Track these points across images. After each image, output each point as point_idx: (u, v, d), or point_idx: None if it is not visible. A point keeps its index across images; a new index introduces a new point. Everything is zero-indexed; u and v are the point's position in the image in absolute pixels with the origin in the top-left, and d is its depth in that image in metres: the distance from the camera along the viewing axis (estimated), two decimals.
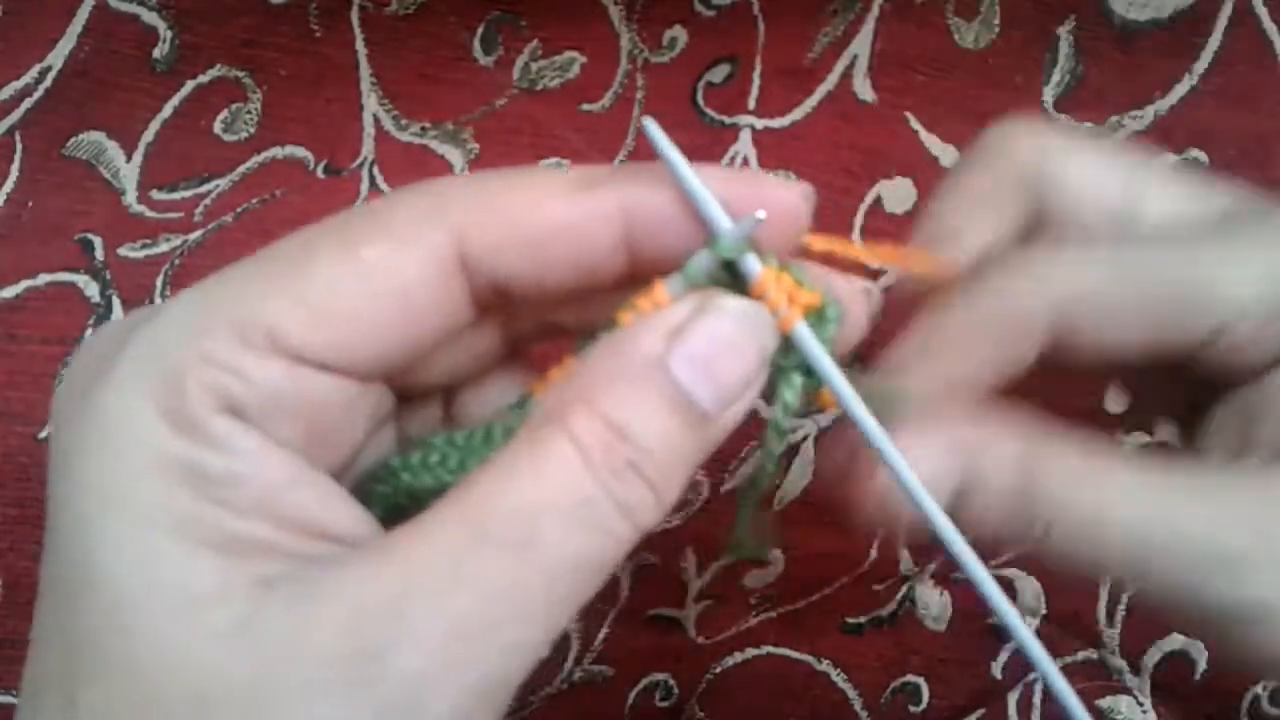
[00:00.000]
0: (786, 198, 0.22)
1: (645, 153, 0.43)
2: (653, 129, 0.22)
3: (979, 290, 0.25)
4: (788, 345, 0.22)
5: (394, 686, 0.18)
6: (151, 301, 0.40)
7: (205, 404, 0.19)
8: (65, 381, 0.21)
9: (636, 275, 0.22)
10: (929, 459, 0.23)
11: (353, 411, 0.22)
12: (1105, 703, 0.45)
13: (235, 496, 0.19)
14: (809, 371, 0.22)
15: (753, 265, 0.22)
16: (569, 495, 0.19)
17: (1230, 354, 0.24)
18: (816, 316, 0.22)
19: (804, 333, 0.22)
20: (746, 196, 0.22)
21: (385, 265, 0.20)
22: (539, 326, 0.25)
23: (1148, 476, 0.23)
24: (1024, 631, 0.23)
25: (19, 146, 0.40)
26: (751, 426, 0.43)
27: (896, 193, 0.43)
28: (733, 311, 0.21)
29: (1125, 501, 0.22)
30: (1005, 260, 0.25)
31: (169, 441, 0.19)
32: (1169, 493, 0.23)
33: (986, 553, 0.23)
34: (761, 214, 0.22)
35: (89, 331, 0.40)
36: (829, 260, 0.24)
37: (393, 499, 0.23)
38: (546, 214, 0.21)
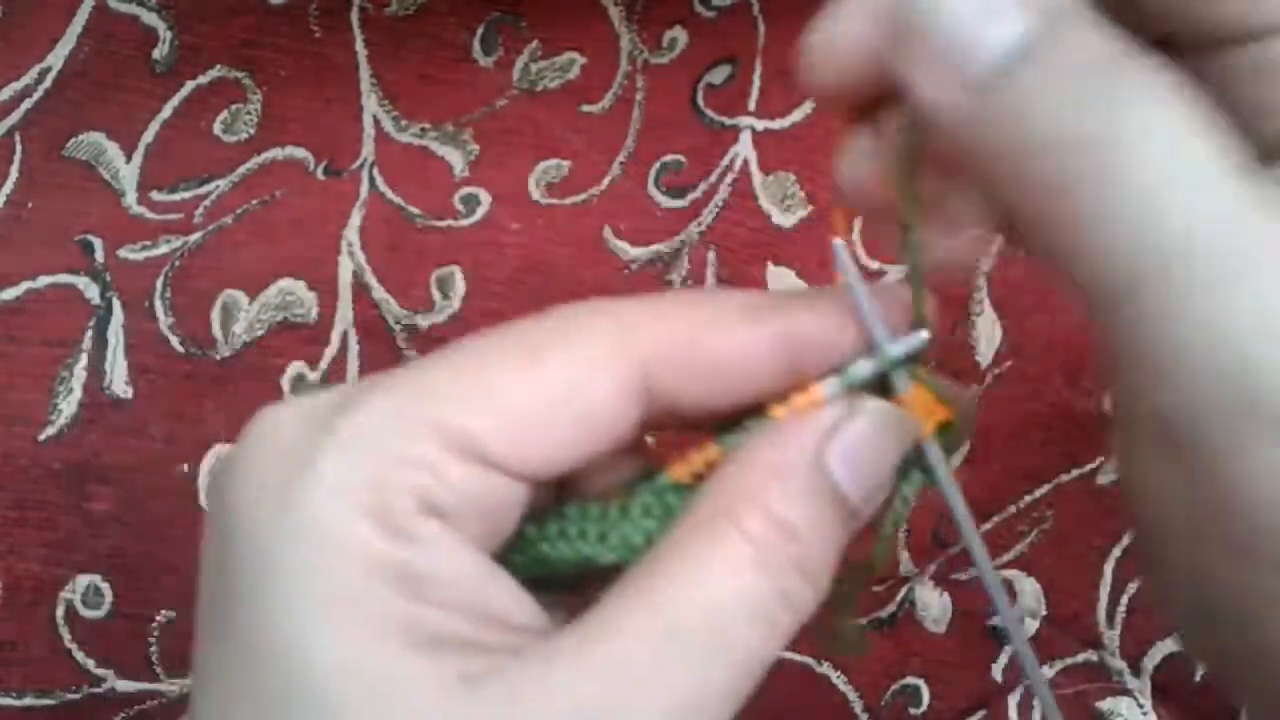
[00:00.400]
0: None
1: (646, 153, 0.43)
2: (842, 253, 0.23)
3: None
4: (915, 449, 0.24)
5: None
6: (151, 304, 0.40)
7: (408, 506, 0.20)
8: (240, 478, 0.21)
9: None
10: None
11: (512, 505, 0.22)
12: (1105, 704, 0.45)
13: (440, 595, 0.20)
14: (925, 470, 0.24)
15: (903, 380, 0.23)
16: (748, 593, 0.20)
17: None
18: (945, 429, 0.24)
19: (933, 449, 0.24)
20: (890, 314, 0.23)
21: (579, 387, 0.21)
22: (668, 414, 0.25)
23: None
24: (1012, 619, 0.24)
25: (18, 147, 0.40)
26: None
27: None
28: (882, 415, 0.22)
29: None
30: None
31: (380, 545, 0.20)
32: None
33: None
34: (925, 334, 0.23)
35: (89, 334, 0.40)
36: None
37: (529, 569, 0.24)
38: (726, 346, 0.22)
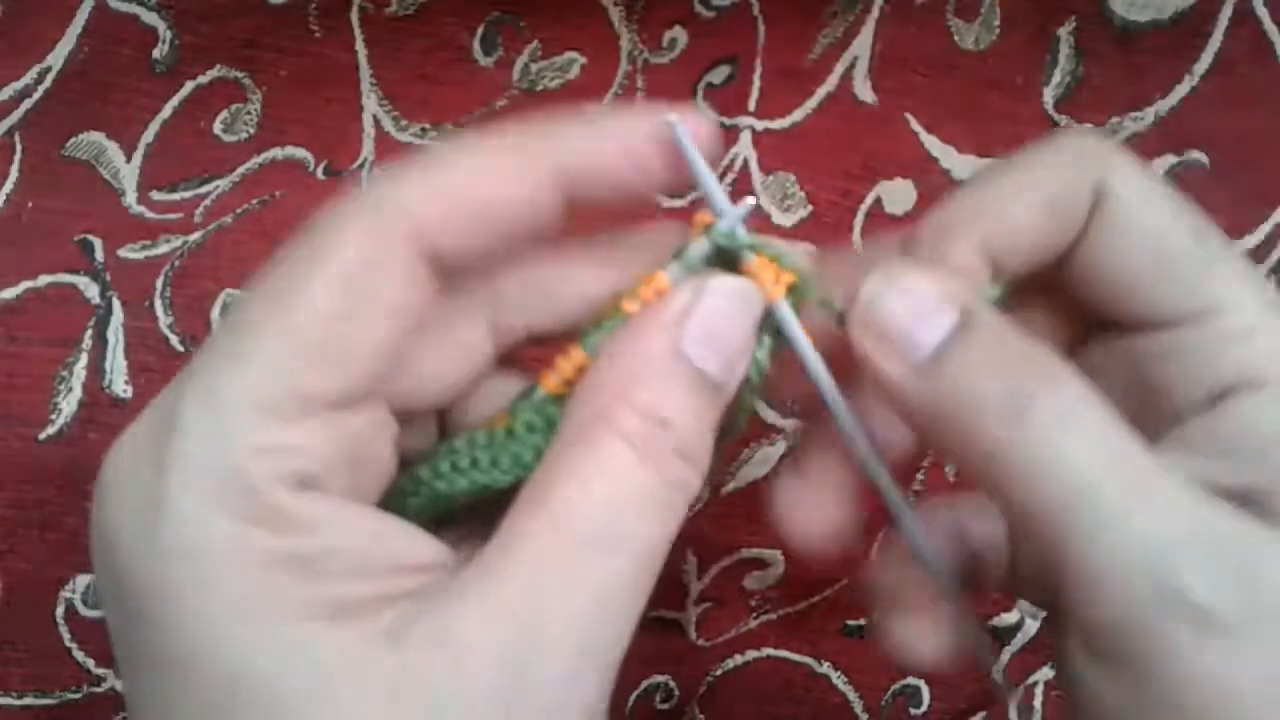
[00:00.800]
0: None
1: None
2: (679, 128, 0.24)
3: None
4: (765, 314, 0.25)
5: (543, 698, 0.20)
6: (151, 303, 0.40)
7: (278, 491, 0.20)
8: (107, 508, 0.21)
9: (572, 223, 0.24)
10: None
11: (380, 443, 0.23)
12: None
13: (339, 566, 0.20)
14: (776, 333, 0.25)
15: (745, 248, 0.25)
16: (634, 487, 0.21)
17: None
18: (792, 290, 0.25)
19: (785, 310, 0.25)
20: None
21: (363, 286, 0.21)
22: (526, 336, 0.27)
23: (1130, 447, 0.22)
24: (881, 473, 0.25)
25: (18, 147, 0.40)
26: (752, 431, 0.42)
27: (897, 194, 0.43)
28: (730, 290, 0.24)
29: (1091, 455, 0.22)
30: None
31: (263, 540, 0.20)
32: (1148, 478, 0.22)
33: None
34: (753, 200, 0.25)
35: (89, 333, 0.40)
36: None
37: (428, 508, 0.24)
38: (496, 189, 0.23)
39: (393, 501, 0.24)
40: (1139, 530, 0.21)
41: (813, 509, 0.27)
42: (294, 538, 0.20)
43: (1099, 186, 0.25)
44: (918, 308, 0.23)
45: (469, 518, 0.25)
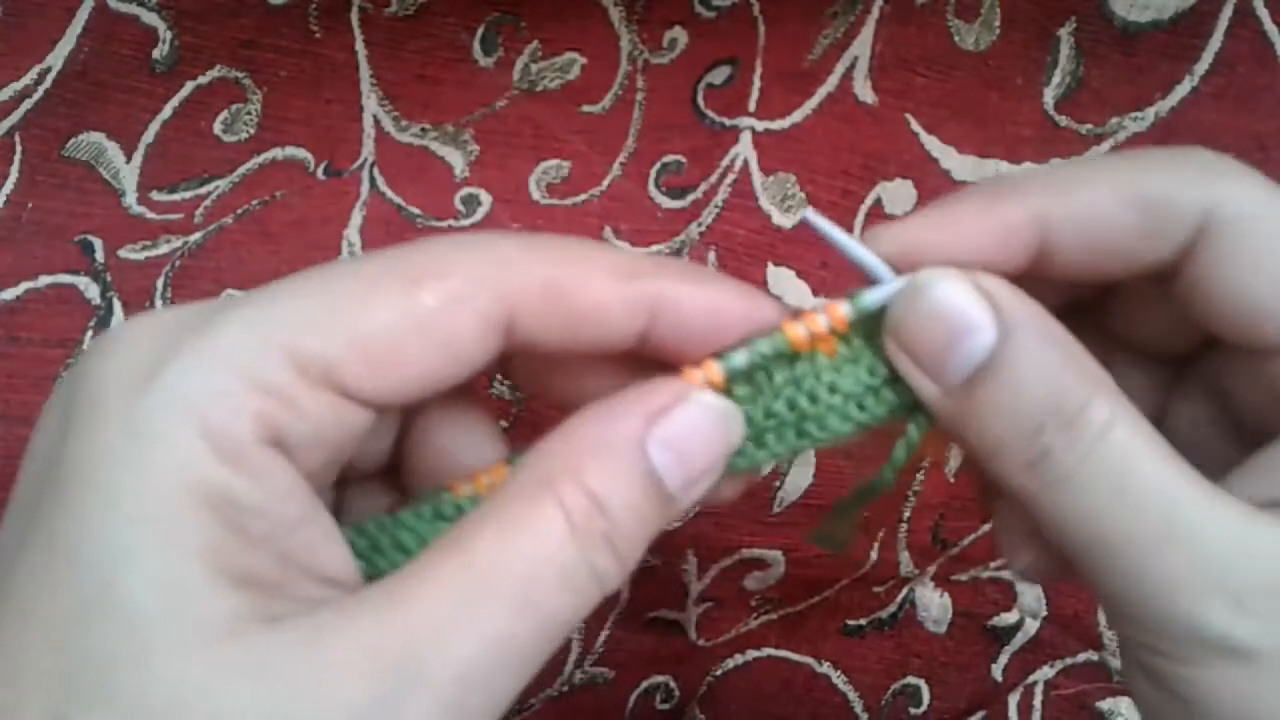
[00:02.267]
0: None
1: (646, 154, 0.43)
2: (813, 217, 0.24)
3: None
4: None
5: None
6: (152, 304, 0.40)
7: (251, 432, 0.20)
8: (91, 377, 0.20)
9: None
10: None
11: (362, 436, 0.22)
12: (1106, 704, 0.45)
13: (256, 528, 0.20)
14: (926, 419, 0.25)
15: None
16: (558, 558, 0.21)
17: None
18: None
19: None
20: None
21: (444, 320, 0.21)
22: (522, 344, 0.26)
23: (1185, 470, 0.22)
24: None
25: (19, 148, 0.40)
26: None
27: (897, 194, 0.43)
28: (708, 404, 0.23)
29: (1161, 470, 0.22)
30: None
31: (210, 466, 0.19)
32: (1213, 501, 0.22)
33: None
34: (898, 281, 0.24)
35: (89, 334, 0.40)
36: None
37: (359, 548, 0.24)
38: (587, 299, 0.23)
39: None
40: (1166, 566, 0.21)
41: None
42: (239, 480, 0.19)
43: (1212, 202, 0.23)
44: (949, 328, 0.22)
45: None
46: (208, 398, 0.19)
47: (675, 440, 0.22)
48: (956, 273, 0.23)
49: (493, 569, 0.20)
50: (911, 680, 0.46)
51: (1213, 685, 0.22)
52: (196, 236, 0.41)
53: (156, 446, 0.19)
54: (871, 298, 0.24)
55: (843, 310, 0.24)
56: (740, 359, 0.24)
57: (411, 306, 0.21)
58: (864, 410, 0.24)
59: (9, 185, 0.40)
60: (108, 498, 0.19)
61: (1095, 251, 0.23)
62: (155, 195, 0.41)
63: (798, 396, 0.24)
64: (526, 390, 0.27)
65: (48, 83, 0.40)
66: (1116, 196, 0.23)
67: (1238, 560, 0.22)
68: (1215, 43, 0.43)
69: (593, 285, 0.23)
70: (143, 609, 0.18)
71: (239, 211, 0.41)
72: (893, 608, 0.46)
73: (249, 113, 0.41)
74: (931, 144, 0.43)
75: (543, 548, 0.21)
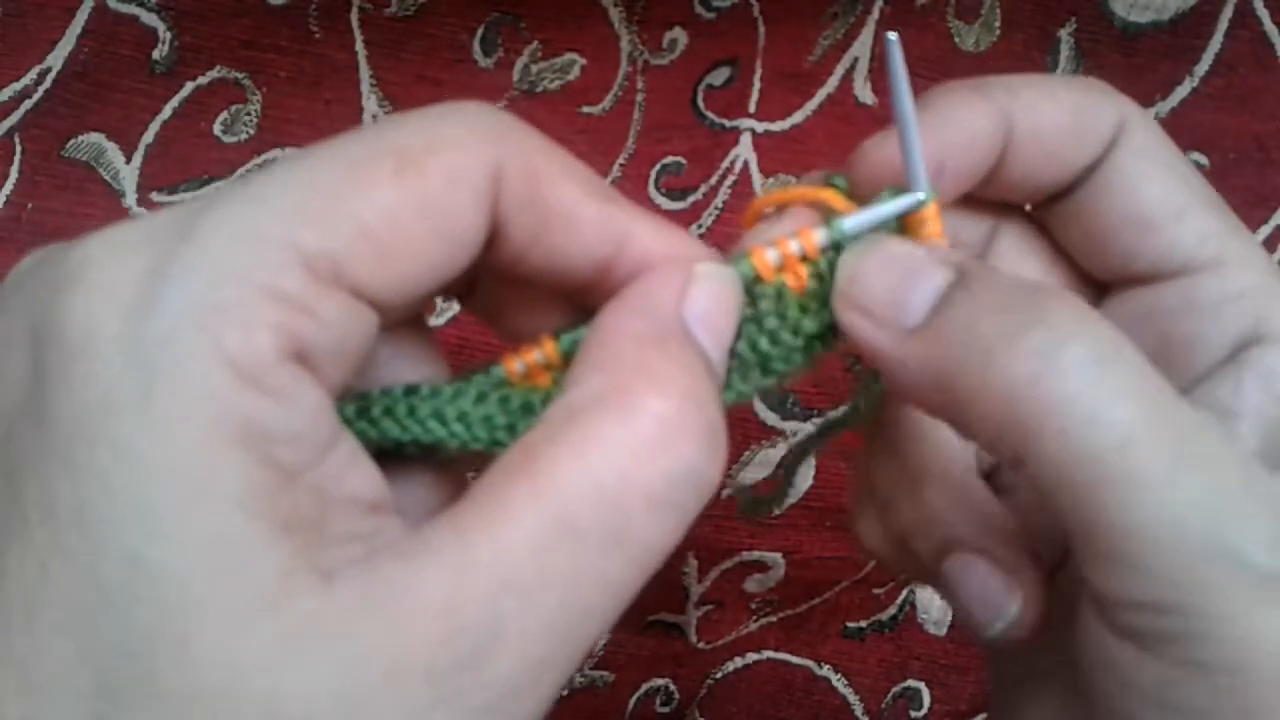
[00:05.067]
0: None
1: (646, 155, 0.43)
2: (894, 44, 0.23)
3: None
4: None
5: (490, 694, 0.17)
6: None
7: (273, 348, 0.17)
8: (63, 311, 0.17)
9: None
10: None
11: (364, 341, 0.20)
12: None
13: (290, 459, 0.17)
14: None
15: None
16: (644, 476, 0.18)
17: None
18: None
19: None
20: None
21: (444, 199, 0.19)
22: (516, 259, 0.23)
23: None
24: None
25: (18, 148, 0.40)
26: (752, 433, 0.42)
27: None
28: (714, 274, 0.22)
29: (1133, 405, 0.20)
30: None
31: (232, 394, 0.16)
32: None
33: None
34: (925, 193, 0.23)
35: None
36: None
37: (361, 440, 0.21)
38: (569, 202, 0.21)
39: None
40: (1188, 490, 0.19)
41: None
42: (266, 404, 0.17)
43: (1121, 120, 0.24)
44: (906, 270, 0.22)
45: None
46: (219, 314, 0.16)
47: (704, 316, 0.21)
48: (896, 236, 0.23)
49: (572, 503, 0.18)
50: (912, 683, 0.46)
51: (1253, 637, 0.18)
52: None
53: (172, 380, 0.16)
54: (853, 222, 0.23)
55: (818, 236, 0.23)
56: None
57: (410, 186, 0.18)
58: (826, 345, 0.23)
59: (9, 185, 0.40)
60: (120, 450, 0.16)
61: (1041, 153, 0.24)
62: (155, 196, 0.41)
63: (759, 338, 0.23)
64: (486, 321, 0.25)
65: (47, 83, 0.40)
66: (1057, 103, 0.24)
67: (1268, 482, 0.20)
68: (1215, 43, 0.43)
69: (570, 190, 0.21)
70: (180, 581, 0.16)
71: None
72: (893, 610, 0.46)
73: (249, 113, 0.41)
74: None
75: (628, 466, 0.18)
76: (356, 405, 0.21)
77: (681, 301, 0.21)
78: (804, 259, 0.23)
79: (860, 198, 0.24)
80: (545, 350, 0.22)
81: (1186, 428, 0.20)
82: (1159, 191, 0.24)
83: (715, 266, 0.22)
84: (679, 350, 0.20)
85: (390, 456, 0.21)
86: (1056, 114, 0.24)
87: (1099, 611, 0.20)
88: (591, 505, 0.18)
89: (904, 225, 0.24)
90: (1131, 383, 0.20)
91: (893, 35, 0.22)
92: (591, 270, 0.22)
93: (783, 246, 0.23)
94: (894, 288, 0.22)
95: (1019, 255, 0.27)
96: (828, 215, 0.23)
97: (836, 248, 0.23)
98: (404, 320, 0.21)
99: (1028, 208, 0.27)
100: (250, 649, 0.16)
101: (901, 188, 0.23)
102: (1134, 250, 0.24)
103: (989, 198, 0.26)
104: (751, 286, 0.23)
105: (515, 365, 0.22)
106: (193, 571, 0.16)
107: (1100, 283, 0.26)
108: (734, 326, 0.22)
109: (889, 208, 0.23)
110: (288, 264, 0.17)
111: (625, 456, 0.18)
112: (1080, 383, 0.19)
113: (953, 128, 0.24)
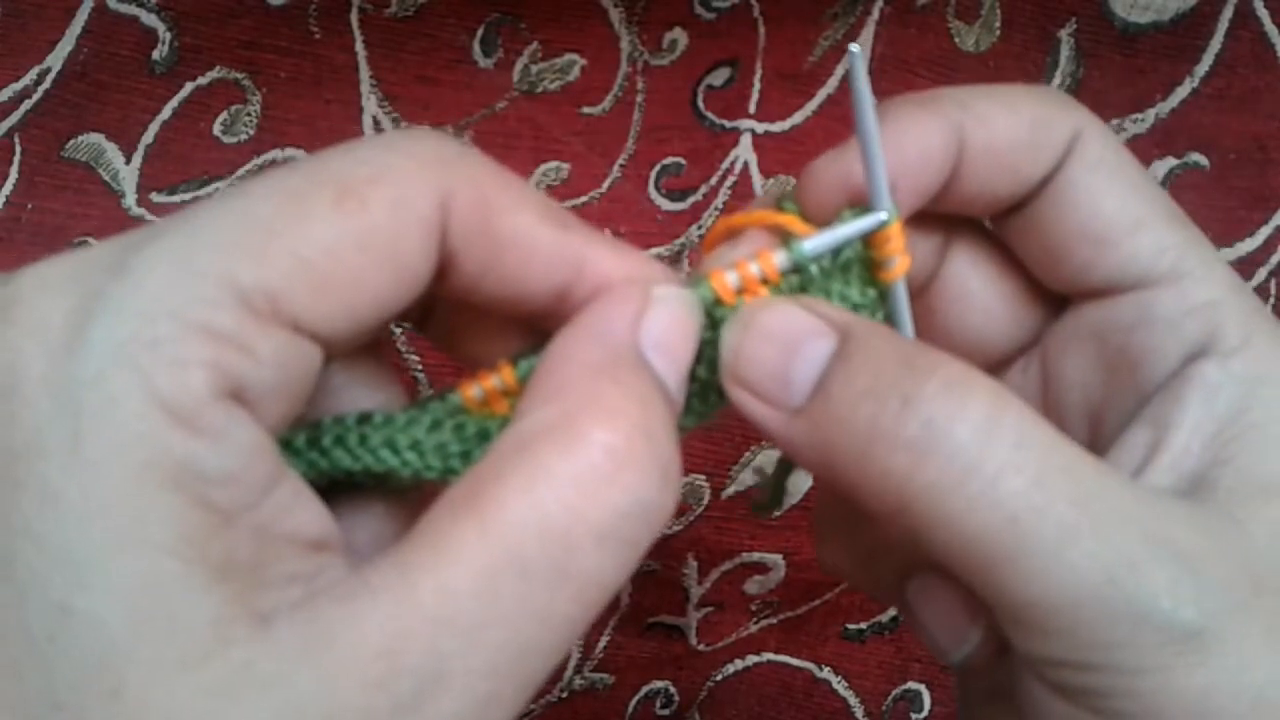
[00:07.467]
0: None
1: (646, 156, 0.43)
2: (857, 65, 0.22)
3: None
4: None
5: None
6: None
7: (206, 386, 0.16)
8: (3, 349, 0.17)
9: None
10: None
11: (307, 378, 0.19)
12: None
13: (226, 500, 0.16)
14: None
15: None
16: (594, 510, 0.18)
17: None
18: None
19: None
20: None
21: (387, 231, 0.18)
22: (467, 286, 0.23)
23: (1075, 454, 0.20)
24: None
25: (18, 149, 0.40)
26: (751, 433, 0.42)
27: None
28: (672, 297, 0.21)
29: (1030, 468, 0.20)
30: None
31: (163, 435, 0.16)
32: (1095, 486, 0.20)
33: None
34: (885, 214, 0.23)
35: None
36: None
37: (312, 471, 0.21)
38: (523, 230, 0.21)
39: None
40: (1081, 555, 0.19)
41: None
42: (200, 445, 0.16)
43: (1076, 131, 0.24)
44: (785, 344, 0.21)
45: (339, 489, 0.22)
46: (149, 351, 0.16)
47: (661, 340, 0.21)
48: (778, 299, 0.22)
49: (519, 534, 0.17)
50: (912, 685, 0.46)
51: (1166, 689, 0.19)
52: None
53: (100, 422, 0.16)
54: (813, 244, 0.23)
55: (778, 259, 0.23)
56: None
57: (351, 217, 0.18)
58: None
59: (9, 186, 0.40)
60: (47, 496, 0.15)
61: (995, 167, 0.24)
62: (155, 196, 0.41)
63: (719, 361, 0.23)
64: (443, 349, 0.24)
65: (47, 83, 0.40)
66: (1010, 115, 0.24)
67: (1172, 525, 0.20)
68: (1215, 44, 0.43)
69: (523, 218, 0.20)
70: (109, 631, 0.15)
71: None
72: (893, 611, 0.46)
73: (249, 114, 0.41)
74: None
75: (575, 500, 0.17)
76: (308, 435, 0.21)
77: (637, 326, 0.21)
78: (765, 282, 0.23)
79: (811, 219, 0.24)
80: (503, 376, 0.22)
81: (1079, 486, 0.20)
82: (1115, 204, 0.24)
83: (673, 290, 0.22)
84: (630, 378, 0.20)
85: (345, 488, 0.21)
86: (1009, 127, 0.24)
87: (1029, 665, 0.21)
88: (538, 540, 0.17)
89: (868, 244, 0.24)
90: (1016, 453, 0.20)
91: (855, 47, 0.22)
92: (549, 296, 0.21)
93: (742, 269, 0.23)
94: (777, 363, 0.21)
95: (972, 270, 0.27)
96: (787, 238, 0.23)
97: (798, 270, 0.23)
98: (356, 349, 0.21)
99: (986, 222, 0.27)
100: (183, 699, 0.15)
101: (862, 207, 0.23)
102: (1090, 263, 0.24)
103: (943, 212, 0.25)
104: (712, 309, 0.23)
105: (473, 392, 0.22)
106: (122, 621, 0.15)
107: (1057, 295, 0.26)
108: (692, 350, 0.22)
109: (852, 228, 0.23)
110: (222, 300, 0.17)
111: (572, 490, 0.18)
112: (961, 465, 0.19)
113: (904, 145, 0.23)
